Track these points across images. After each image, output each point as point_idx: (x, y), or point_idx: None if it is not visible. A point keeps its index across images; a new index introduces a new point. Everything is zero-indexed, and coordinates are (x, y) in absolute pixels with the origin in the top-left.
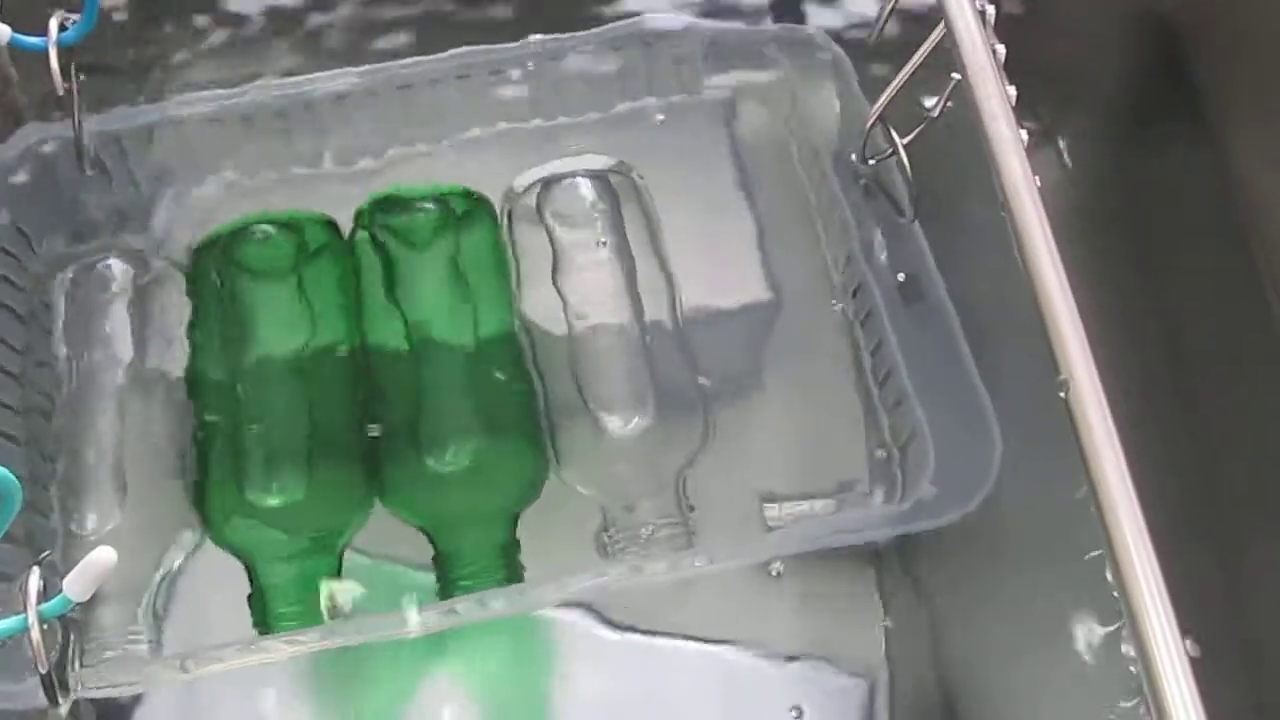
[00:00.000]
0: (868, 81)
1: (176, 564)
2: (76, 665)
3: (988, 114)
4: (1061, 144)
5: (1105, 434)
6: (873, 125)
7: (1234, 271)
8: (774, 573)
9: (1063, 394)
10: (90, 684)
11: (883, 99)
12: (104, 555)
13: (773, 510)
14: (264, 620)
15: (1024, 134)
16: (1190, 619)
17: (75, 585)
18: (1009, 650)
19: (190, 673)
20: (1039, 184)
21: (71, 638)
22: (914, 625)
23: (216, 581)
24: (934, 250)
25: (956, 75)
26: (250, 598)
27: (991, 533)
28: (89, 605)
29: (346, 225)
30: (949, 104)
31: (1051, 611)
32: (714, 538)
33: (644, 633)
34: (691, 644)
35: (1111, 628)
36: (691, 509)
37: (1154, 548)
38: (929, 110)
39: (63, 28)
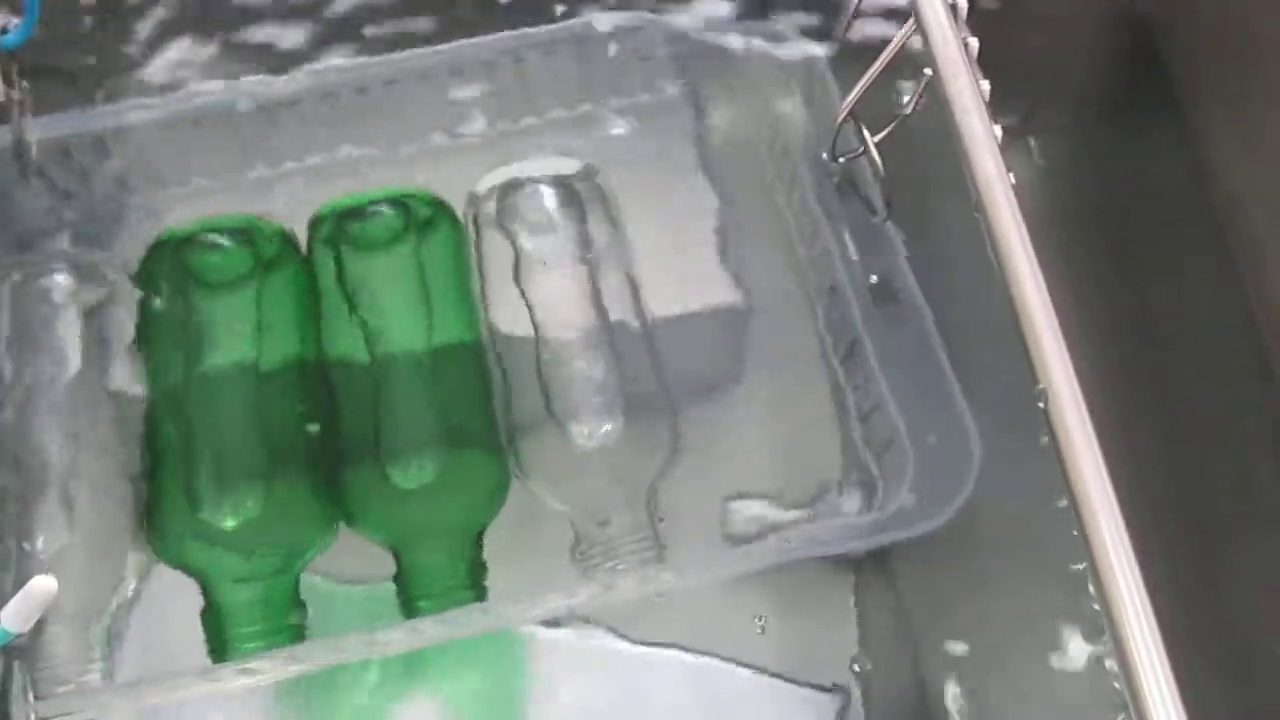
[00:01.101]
0: (841, 78)
1: (131, 586)
2: (30, 696)
3: (960, 109)
4: (1033, 142)
5: (1086, 445)
6: (843, 122)
7: (1211, 266)
8: (758, 624)
9: (1041, 404)
10: (42, 715)
11: (852, 95)
12: (43, 585)
13: (745, 520)
14: (219, 643)
15: (998, 130)
16: (1174, 626)
17: (14, 616)
18: (990, 665)
19: (146, 701)
20: (1014, 181)
21: (15, 668)
22: (891, 636)
23: (175, 602)
24: (908, 250)
25: (929, 71)
26: (203, 615)
27: (971, 541)
28: (38, 631)
29: (303, 231)
30: (922, 100)
31: (1035, 625)
32: (685, 551)
33: (621, 638)
34: (669, 653)
35: (1097, 645)
36: (661, 520)
37: (1136, 557)
38: (902, 107)
39: (3, 31)
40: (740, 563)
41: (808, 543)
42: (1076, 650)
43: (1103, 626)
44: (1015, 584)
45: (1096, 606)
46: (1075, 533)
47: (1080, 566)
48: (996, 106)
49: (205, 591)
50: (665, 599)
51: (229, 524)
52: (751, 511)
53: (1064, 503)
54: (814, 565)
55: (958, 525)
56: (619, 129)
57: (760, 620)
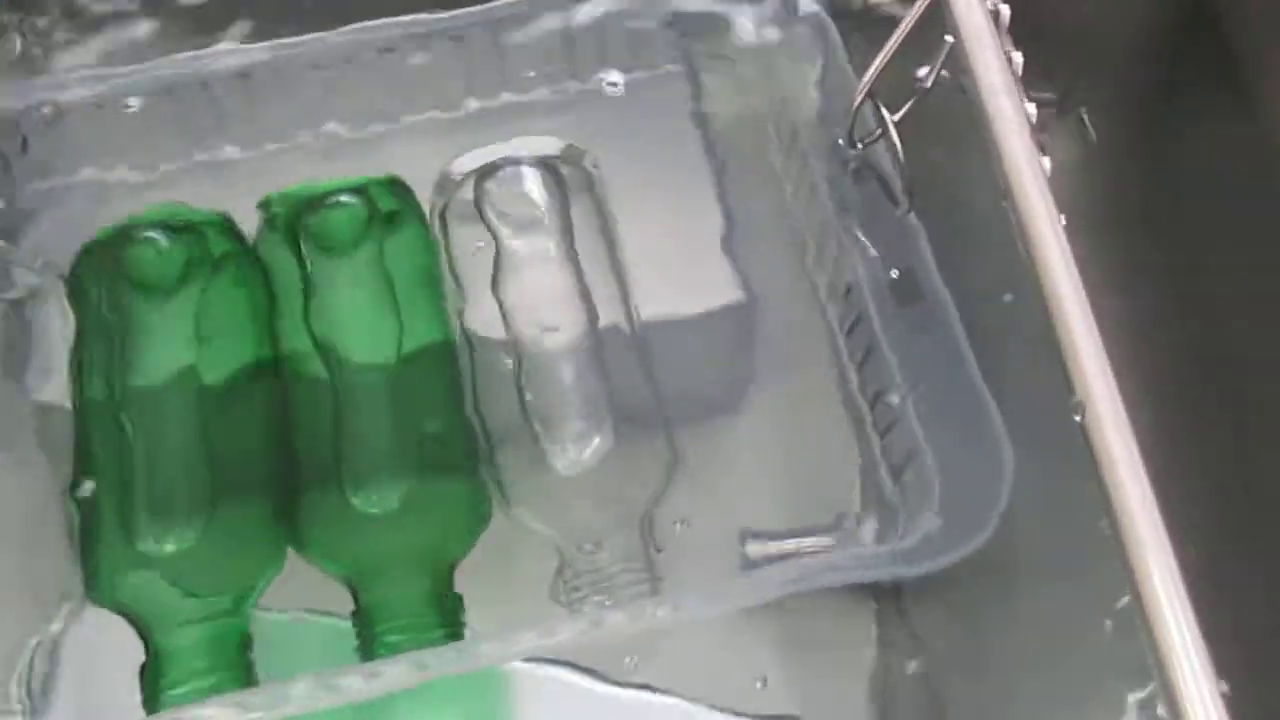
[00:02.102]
0: (856, 51)
1: (56, 627)
2: None
3: (986, 86)
4: (1071, 122)
5: (1129, 464)
6: (861, 101)
7: (1278, 261)
8: (759, 683)
9: (1078, 417)
10: None
11: (871, 70)
12: None
13: (752, 548)
14: (154, 690)
15: (1032, 108)
16: (1231, 670)
17: None
18: (1023, 712)
19: None
20: (1049, 167)
21: None
22: (910, 679)
23: (113, 641)
24: (933, 244)
25: (949, 38)
26: (143, 669)
27: (1003, 569)
28: None
29: (253, 224)
30: (943, 73)
31: (1072, 668)
32: (682, 582)
33: (612, 683)
34: (668, 700)
35: (1145, 691)
36: (658, 550)
37: (1188, 592)
38: (921, 81)
39: None
40: (744, 595)
41: (820, 573)
42: (1118, 695)
43: (1151, 671)
44: (1054, 622)
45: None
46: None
47: (1125, 602)
48: (1031, 81)
49: (142, 631)
50: (661, 636)
51: (169, 553)
52: (757, 538)
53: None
54: (826, 599)
55: (988, 554)
56: (609, 107)
57: (761, 682)
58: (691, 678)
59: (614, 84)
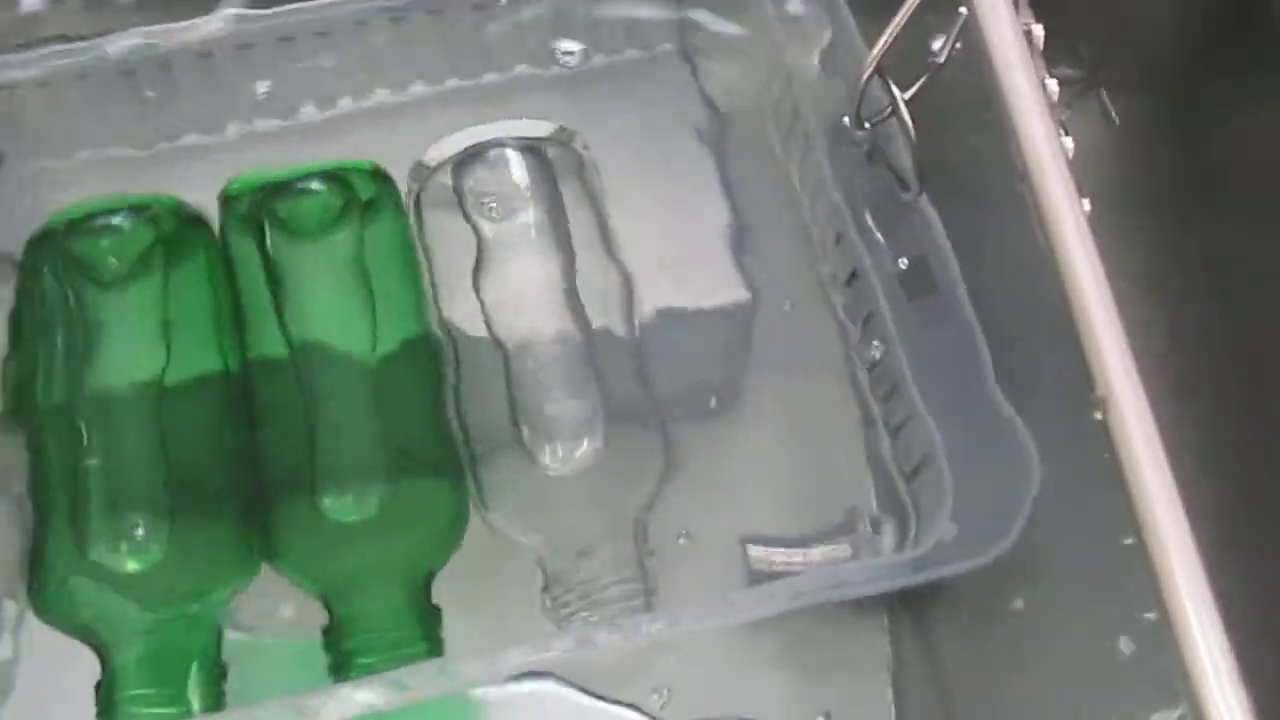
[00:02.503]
0: (866, 24)
1: (6, 651)
2: None
3: (1001, 61)
4: (1098, 100)
5: (1154, 465)
6: (869, 77)
7: None
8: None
9: (1099, 414)
10: None
11: (880, 43)
12: None
13: (755, 559)
14: (110, 715)
15: (1053, 85)
16: (1265, 691)
17: None
18: None
19: None
20: (1071, 149)
21: None
22: (926, 699)
23: (71, 659)
24: (948, 231)
25: (964, 10)
26: (98, 687)
27: (1023, 580)
28: None
29: (214, 213)
30: (958, 47)
31: (1097, 687)
32: (678, 594)
33: (608, 701)
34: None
35: (1172, 713)
36: (651, 555)
37: (1217, 604)
38: (935, 56)
39: None
40: (746, 609)
41: (827, 585)
42: (1145, 717)
43: (1180, 692)
44: (1078, 638)
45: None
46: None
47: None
48: (1054, 56)
49: (99, 651)
50: (659, 650)
51: (127, 565)
52: (759, 547)
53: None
54: (836, 612)
55: (1009, 564)
56: (601, 86)
57: (770, 674)
58: (687, 697)
59: (607, 62)
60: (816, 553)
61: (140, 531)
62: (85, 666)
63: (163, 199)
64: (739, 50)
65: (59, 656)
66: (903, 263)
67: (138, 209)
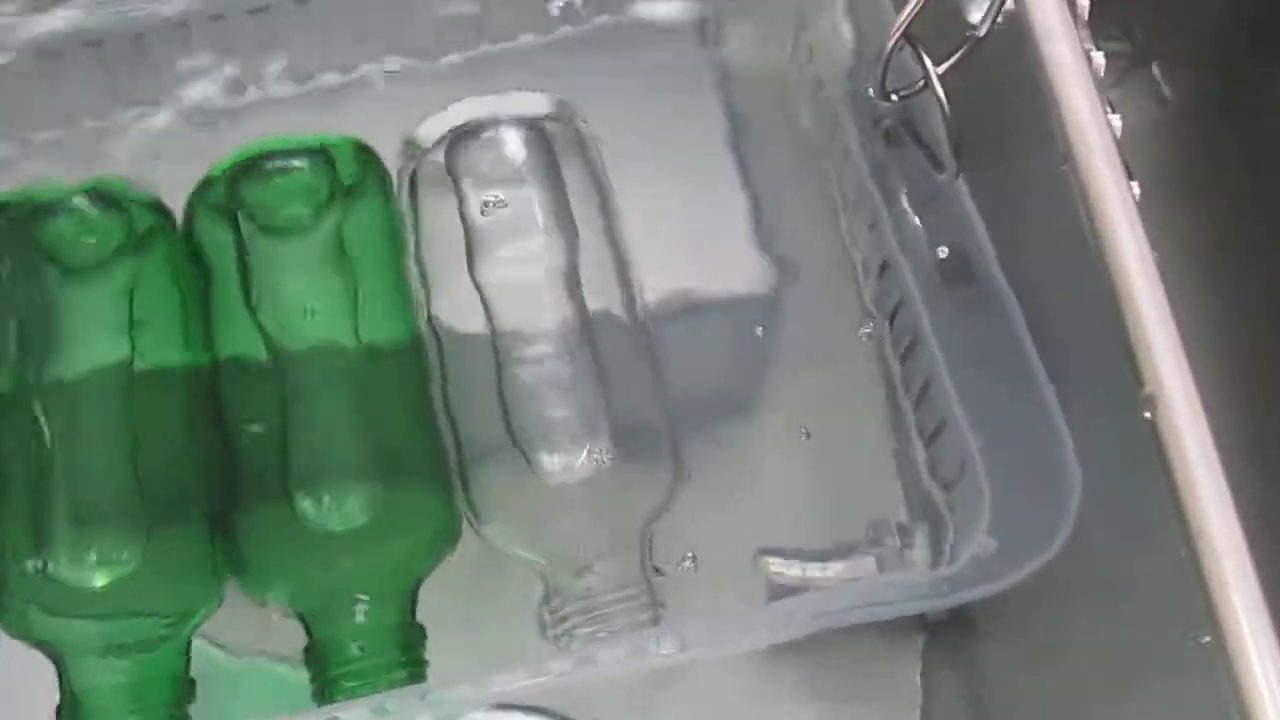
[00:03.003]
0: None
1: None
2: None
3: (1043, 31)
4: (1157, 71)
5: (1207, 470)
6: (896, 46)
7: None
8: None
9: (1147, 414)
10: None
11: (907, 10)
12: None
13: (773, 573)
14: None
15: (1100, 58)
16: None
17: None
18: None
19: None
20: (1119, 127)
21: None
22: None
23: (33, 675)
24: (986, 216)
25: None
26: (59, 711)
27: (1065, 598)
28: None
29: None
30: (999, 17)
31: (1146, 713)
32: (689, 613)
33: None
34: None
35: None
36: (658, 572)
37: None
38: (974, 27)
39: None
40: (764, 631)
41: (853, 604)
42: None
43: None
44: (1125, 659)
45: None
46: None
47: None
48: (1101, 27)
49: (62, 672)
50: (667, 677)
51: (95, 582)
52: (779, 562)
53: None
54: (864, 634)
55: (1050, 579)
56: (608, 58)
57: (791, 704)
58: None
59: (615, 30)
60: (840, 566)
61: (108, 542)
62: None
63: (127, 182)
64: (756, 12)
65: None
66: (942, 251)
67: (106, 192)
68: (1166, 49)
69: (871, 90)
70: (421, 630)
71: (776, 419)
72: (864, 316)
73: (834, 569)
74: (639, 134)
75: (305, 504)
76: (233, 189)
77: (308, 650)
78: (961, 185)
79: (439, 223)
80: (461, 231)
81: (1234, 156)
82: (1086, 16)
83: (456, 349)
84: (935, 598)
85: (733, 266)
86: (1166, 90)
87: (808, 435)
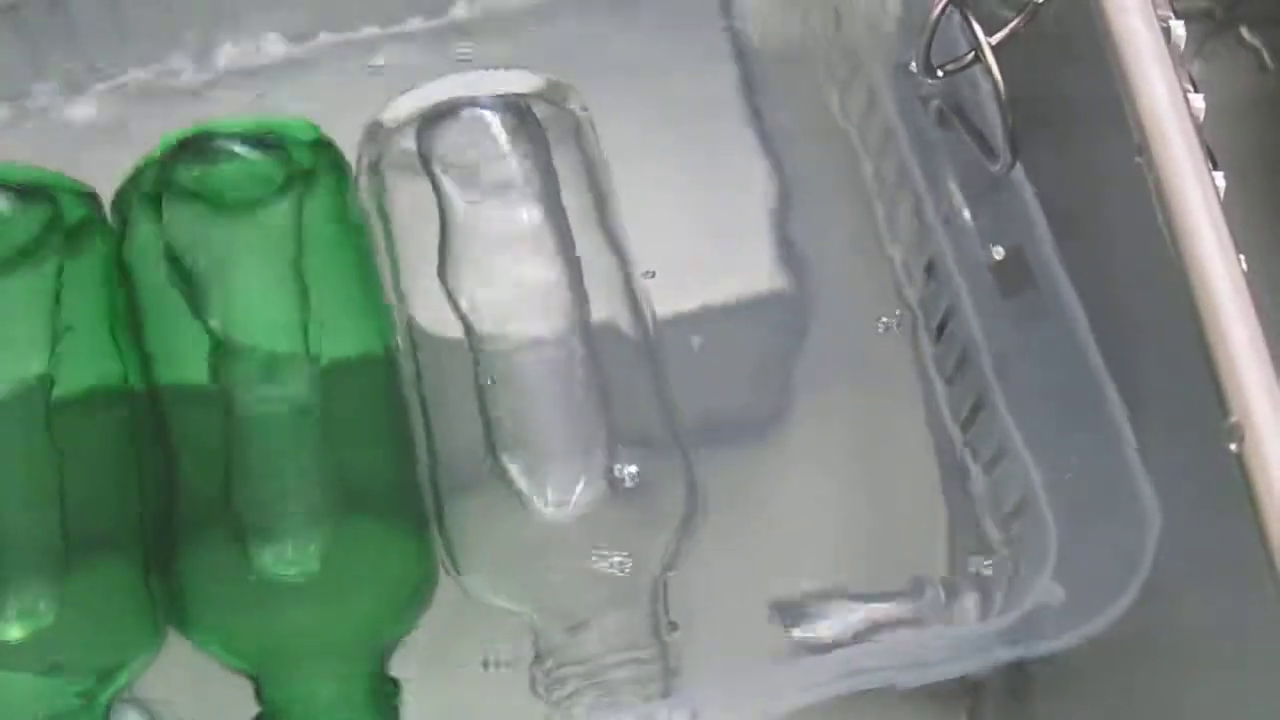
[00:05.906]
0: None
1: None
2: None
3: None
4: (1246, 33)
5: None
6: (943, 13)
7: None
8: None
9: (1233, 445)
10: None
11: None
12: None
13: (800, 627)
14: None
15: (1180, 28)
16: None
17: None
18: None
19: None
20: (1202, 108)
21: None
22: None
23: None
24: (1047, 212)
25: None
26: None
27: (1143, 654)
28: None
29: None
30: None
31: None
32: (706, 675)
33: None
34: None
35: None
36: (674, 627)
37: None
38: None
39: None
40: (794, 693)
41: (898, 662)
42: None
43: None
44: None
45: None
46: None
47: None
48: None
49: None
50: None
51: (12, 634)
52: (810, 612)
53: None
54: (902, 698)
55: (1123, 636)
56: (606, 28)
57: None
58: None
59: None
60: (878, 615)
61: (27, 590)
62: None
63: (54, 174)
64: None
65: None
66: (998, 252)
67: (25, 183)
68: (1257, 7)
69: (914, 64)
70: (394, 689)
71: (805, 444)
72: (904, 325)
73: (871, 618)
74: (644, 118)
75: (259, 547)
76: (174, 177)
77: (260, 717)
78: (1018, 176)
79: (411, 218)
80: (438, 226)
81: None
82: None
83: (433, 364)
84: (986, 654)
85: (752, 267)
86: (1265, 56)
87: (838, 463)
